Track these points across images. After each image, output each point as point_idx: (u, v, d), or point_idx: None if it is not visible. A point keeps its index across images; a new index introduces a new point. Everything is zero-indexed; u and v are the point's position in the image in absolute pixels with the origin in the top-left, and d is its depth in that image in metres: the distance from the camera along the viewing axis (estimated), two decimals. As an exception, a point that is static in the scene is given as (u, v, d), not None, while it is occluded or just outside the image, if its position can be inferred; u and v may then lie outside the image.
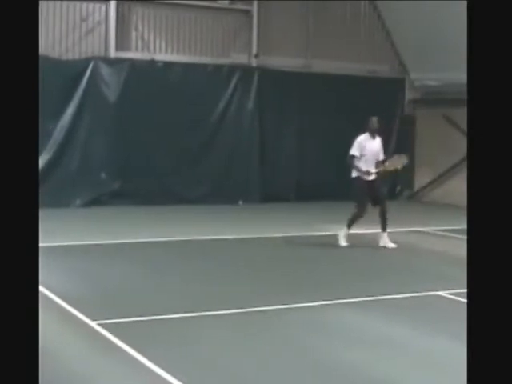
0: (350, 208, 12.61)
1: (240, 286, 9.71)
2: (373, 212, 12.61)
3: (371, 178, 12.41)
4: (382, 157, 12.63)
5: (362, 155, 12.39)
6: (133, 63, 18.30)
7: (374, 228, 12.95)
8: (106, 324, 7.37)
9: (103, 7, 18.20)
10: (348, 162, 12.51)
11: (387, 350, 6.90)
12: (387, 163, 12.57)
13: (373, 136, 12.55)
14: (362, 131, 12.65)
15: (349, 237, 12.63)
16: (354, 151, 12.42)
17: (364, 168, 12.37)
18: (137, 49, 18.80)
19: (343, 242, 12.67)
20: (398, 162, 12.77)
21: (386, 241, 12.76)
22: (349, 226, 12.63)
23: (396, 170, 12.88)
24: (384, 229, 12.78)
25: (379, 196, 12.73)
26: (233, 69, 19.48)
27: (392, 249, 12.63)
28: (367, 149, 12.44)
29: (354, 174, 12.52)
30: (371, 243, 13.19)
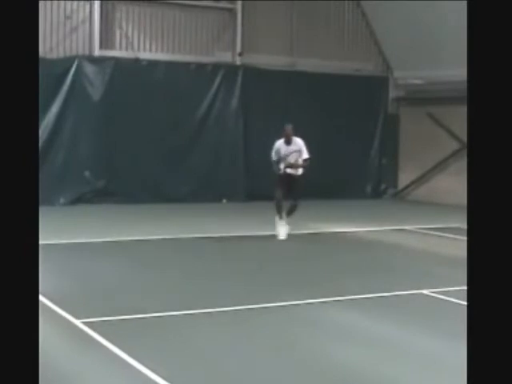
0: (335, 206, 12.63)
1: (226, 284, 9.68)
2: (356, 210, 12.61)
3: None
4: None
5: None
6: (117, 62, 18.26)
7: (359, 226, 12.99)
8: (90, 322, 7.34)
9: (87, 5, 18.15)
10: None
11: (379, 348, 6.88)
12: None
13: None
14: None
15: (333, 235, 12.63)
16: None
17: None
18: (121, 47, 18.76)
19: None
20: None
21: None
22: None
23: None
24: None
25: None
26: (217, 67, 19.48)
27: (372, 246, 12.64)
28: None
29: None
30: (355, 241, 13.21)
